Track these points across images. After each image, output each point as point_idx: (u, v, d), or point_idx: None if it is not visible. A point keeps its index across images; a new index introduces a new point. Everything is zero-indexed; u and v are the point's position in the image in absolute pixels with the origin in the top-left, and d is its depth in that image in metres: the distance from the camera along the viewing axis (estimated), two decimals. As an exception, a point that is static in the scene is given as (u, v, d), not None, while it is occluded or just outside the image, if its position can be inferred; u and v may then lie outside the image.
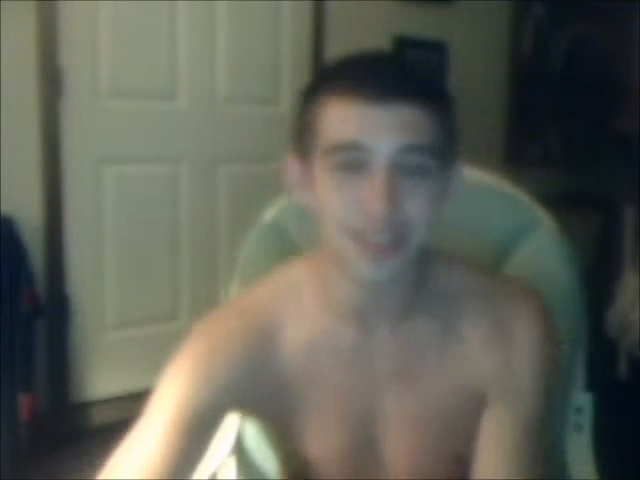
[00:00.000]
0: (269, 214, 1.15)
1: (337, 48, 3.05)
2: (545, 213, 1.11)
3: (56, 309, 2.56)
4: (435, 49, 3.39)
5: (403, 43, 3.27)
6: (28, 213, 2.44)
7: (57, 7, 2.45)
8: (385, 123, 0.75)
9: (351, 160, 0.75)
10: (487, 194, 1.12)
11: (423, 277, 0.86)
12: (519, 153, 3.82)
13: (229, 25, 2.87)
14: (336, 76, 0.80)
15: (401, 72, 0.79)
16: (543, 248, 1.09)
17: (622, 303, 3.10)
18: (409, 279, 0.84)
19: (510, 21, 3.75)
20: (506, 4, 3.70)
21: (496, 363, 0.85)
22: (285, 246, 1.13)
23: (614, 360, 3.08)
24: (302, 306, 0.88)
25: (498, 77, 3.74)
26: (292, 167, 0.86)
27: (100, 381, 2.71)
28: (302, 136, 0.82)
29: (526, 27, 3.80)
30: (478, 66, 3.53)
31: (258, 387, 0.86)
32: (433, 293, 0.86)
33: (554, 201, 1.22)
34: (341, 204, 0.77)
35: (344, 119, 0.76)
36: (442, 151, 0.78)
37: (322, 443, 0.89)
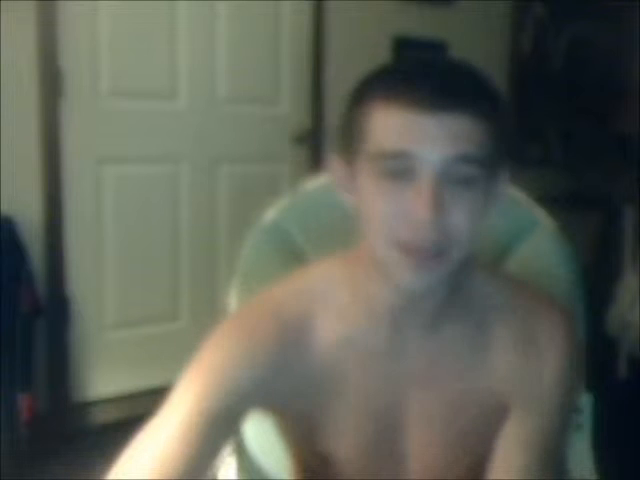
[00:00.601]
0: (270, 215, 1.15)
1: (337, 48, 3.06)
2: (545, 213, 1.11)
3: (56, 309, 2.56)
4: (435, 49, 3.39)
5: (403, 43, 3.27)
6: (28, 213, 2.44)
7: (57, 7, 2.46)
8: (434, 132, 0.73)
9: (398, 168, 0.75)
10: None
11: (460, 285, 0.86)
12: (519, 153, 3.82)
13: (229, 25, 2.87)
14: (386, 80, 0.78)
15: (454, 79, 0.77)
16: (543, 248, 1.10)
17: (622, 303, 3.10)
18: (447, 287, 0.83)
19: (510, 21, 3.75)
20: (506, 4, 3.70)
21: (522, 376, 0.86)
22: (286, 247, 1.12)
23: (614, 360, 3.08)
24: (335, 304, 0.87)
25: (498, 77, 3.74)
26: (336, 168, 0.84)
27: (100, 381, 2.71)
28: (348, 138, 0.81)
29: (526, 27, 3.80)
30: (478, 66, 3.53)
31: (285, 381, 0.85)
32: (467, 302, 0.87)
33: (554, 201, 1.22)
34: (386, 212, 0.76)
35: (392, 126, 0.75)
36: (491, 162, 0.77)
37: (344, 440, 0.89)
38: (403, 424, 0.88)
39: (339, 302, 0.87)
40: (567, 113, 3.92)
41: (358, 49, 3.05)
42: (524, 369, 0.86)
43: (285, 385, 0.85)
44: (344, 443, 0.89)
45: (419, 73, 0.78)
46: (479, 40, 3.57)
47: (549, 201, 1.13)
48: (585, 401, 1.10)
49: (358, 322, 0.86)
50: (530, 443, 0.85)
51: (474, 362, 0.87)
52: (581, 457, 1.09)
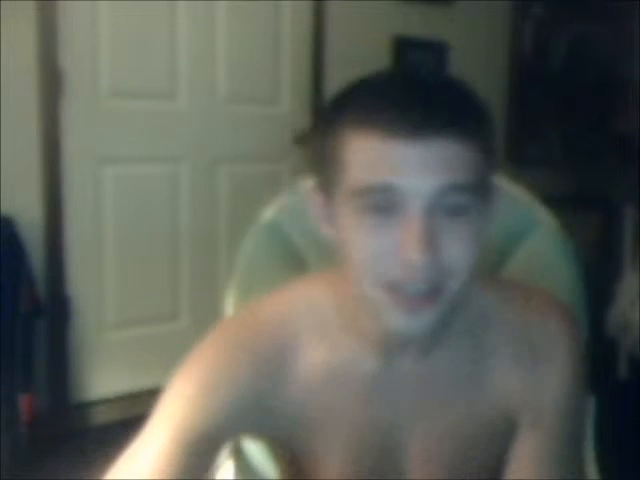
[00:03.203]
0: (268, 214, 1.14)
1: (337, 48, 3.06)
2: (546, 212, 1.11)
3: (56, 309, 2.56)
4: (435, 49, 3.39)
5: (403, 43, 3.27)
6: (28, 213, 2.44)
7: (57, 7, 2.46)
8: (422, 161, 0.66)
9: (383, 203, 0.67)
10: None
11: (457, 310, 0.78)
12: (519, 153, 3.82)
13: (229, 25, 2.87)
14: (360, 105, 0.69)
15: (439, 98, 0.69)
16: (544, 248, 1.09)
17: (622, 303, 3.10)
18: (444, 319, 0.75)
19: (510, 21, 3.75)
20: (506, 4, 3.70)
21: (527, 389, 0.81)
22: (284, 246, 1.12)
23: (614, 360, 3.08)
24: (320, 328, 0.80)
25: (498, 77, 3.74)
26: (315, 201, 0.76)
27: (100, 381, 2.71)
28: (324, 169, 0.73)
29: (526, 27, 3.79)
30: (478, 66, 3.53)
31: (266, 411, 0.80)
32: (463, 315, 0.79)
33: (554, 201, 1.22)
34: (372, 251, 0.68)
35: (374, 157, 0.67)
36: (483, 187, 0.70)
37: (334, 473, 0.83)
38: (402, 455, 0.82)
39: (327, 329, 0.80)
40: (567, 113, 3.92)
41: (358, 49, 3.05)
42: (528, 381, 0.81)
43: (267, 414, 0.80)
44: (336, 475, 0.82)
45: (399, 92, 0.69)
46: (479, 40, 3.57)
47: (549, 201, 1.13)
48: (587, 403, 1.09)
49: (345, 351, 0.80)
50: (545, 457, 0.80)
51: (474, 382, 0.81)
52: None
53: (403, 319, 0.70)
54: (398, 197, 0.67)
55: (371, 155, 0.68)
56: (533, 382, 0.81)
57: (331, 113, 0.73)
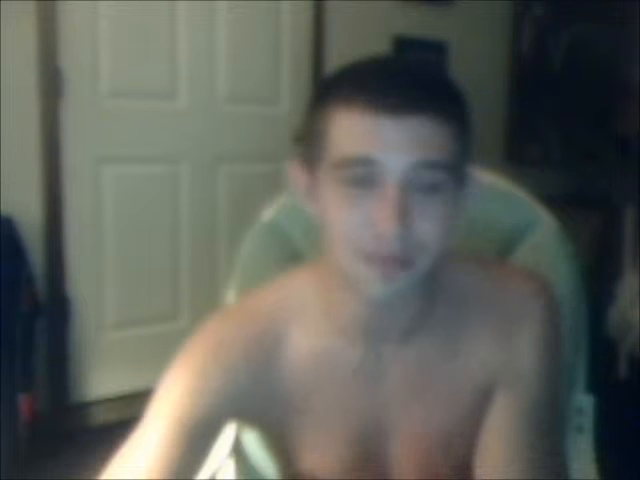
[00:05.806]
0: (268, 213, 1.15)
1: (337, 48, 3.06)
2: (546, 212, 1.11)
3: (56, 309, 2.56)
4: (435, 49, 3.39)
5: (403, 43, 3.27)
6: (28, 213, 2.44)
7: (57, 7, 2.46)
8: (398, 137, 0.70)
9: (361, 176, 0.71)
10: (487, 194, 1.12)
11: (433, 293, 0.83)
12: (519, 153, 3.82)
13: (229, 25, 2.87)
14: (346, 83, 0.74)
15: (418, 81, 0.73)
16: (544, 247, 1.09)
17: (622, 303, 3.10)
18: (418, 296, 0.81)
19: (510, 21, 3.75)
20: (506, 4, 3.70)
21: (503, 357, 0.83)
22: (284, 245, 1.12)
23: (614, 360, 3.08)
24: (307, 317, 0.84)
25: (498, 77, 3.74)
26: (297, 176, 0.80)
27: (100, 381, 2.72)
28: (309, 145, 0.77)
29: (526, 27, 3.80)
30: (478, 66, 3.53)
31: (258, 397, 0.84)
32: (441, 297, 0.84)
33: (554, 201, 1.22)
34: (349, 222, 0.72)
35: (354, 131, 0.71)
36: (458, 166, 0.74)
37: (322, 458, 0.86)
38: (386, 439, 0.86)
39: (312, 316, 0.84)
40: (567, 113, 3.92)
41: (358, 49, 3.03)
42: (505, 354, 0.83)
43: (259, 399, 0.84)
44: (322, 460, 0.86)
45: (380, 74, 0.74)
46: (479, 40, 3.57)
47: (549, 201, 1.13)
48: (586, 402, 1.09)
49: (331, 337, 0.84)
50: (517, 425, 0.82)
51: (455, 363, 0.84)
52: (582, 458, 1.09)
53: (376, 286, 0.74)
54: (375, 170, 0.71)
55: (352, 129, 0.72)
56: (508, 353, 0.84)
57: (319, 92, 0.78)
